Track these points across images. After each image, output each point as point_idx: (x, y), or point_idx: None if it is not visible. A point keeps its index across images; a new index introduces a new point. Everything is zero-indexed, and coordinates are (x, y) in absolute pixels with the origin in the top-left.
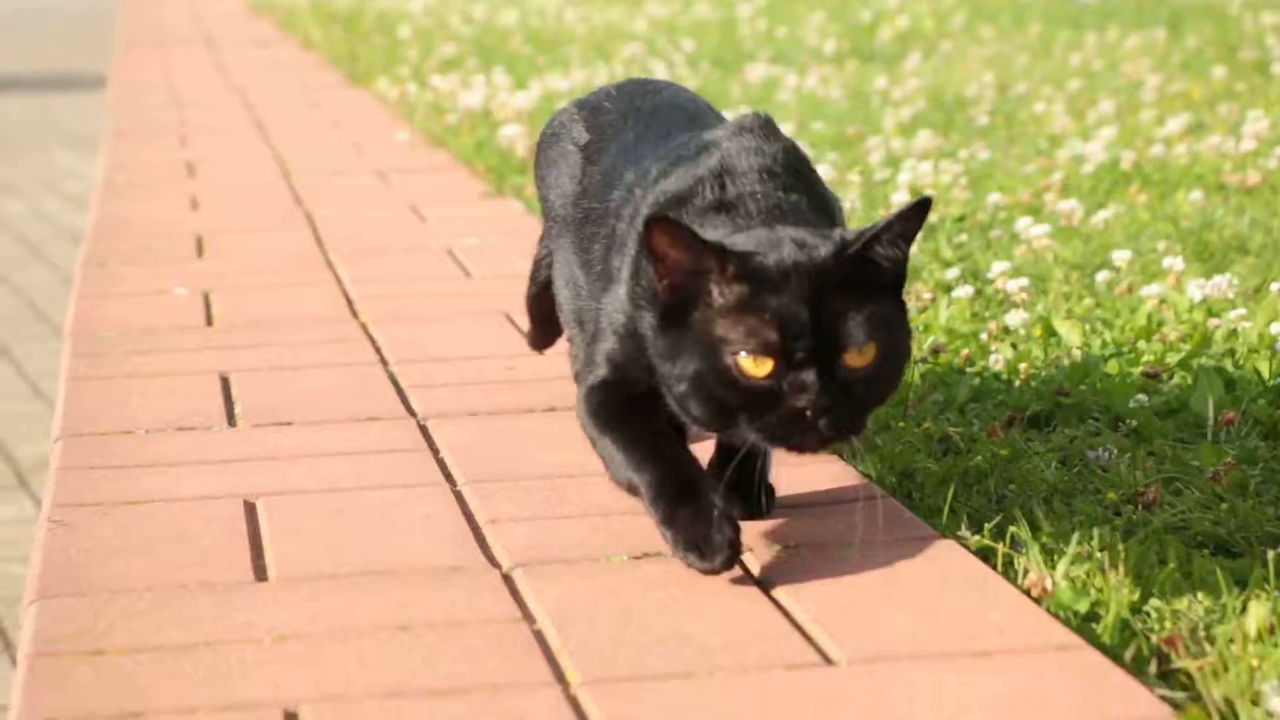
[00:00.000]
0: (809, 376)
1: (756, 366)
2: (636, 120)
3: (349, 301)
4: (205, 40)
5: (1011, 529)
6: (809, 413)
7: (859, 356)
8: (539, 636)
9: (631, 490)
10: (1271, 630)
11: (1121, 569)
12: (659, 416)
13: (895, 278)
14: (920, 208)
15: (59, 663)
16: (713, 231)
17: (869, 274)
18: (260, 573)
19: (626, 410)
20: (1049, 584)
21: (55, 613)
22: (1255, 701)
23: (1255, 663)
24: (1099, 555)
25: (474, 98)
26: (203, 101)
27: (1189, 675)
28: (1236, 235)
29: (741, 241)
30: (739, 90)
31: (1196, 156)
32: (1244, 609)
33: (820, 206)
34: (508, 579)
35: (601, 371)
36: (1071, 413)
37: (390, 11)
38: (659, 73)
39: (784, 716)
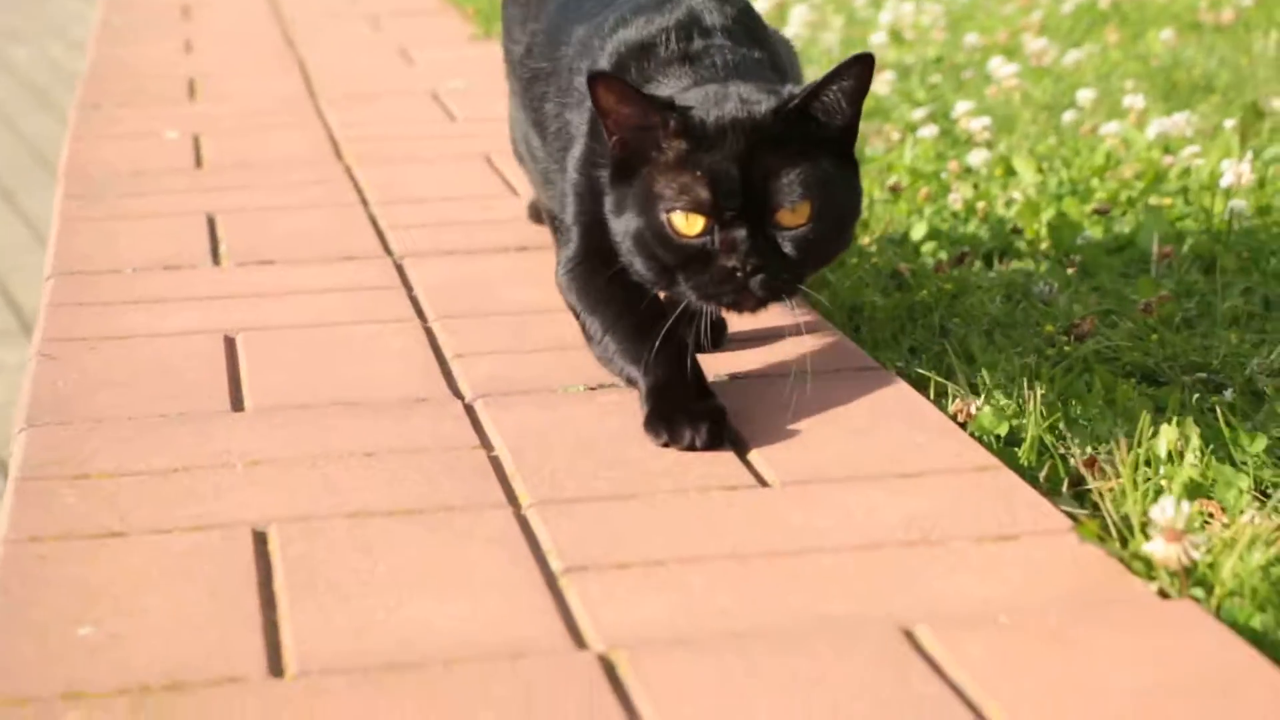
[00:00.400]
0: (739, 235)
1: (688, 224)
2: None
3: (335, 144)
4: None
5: (947, 360)
6: (739, 273)
7: (792, 215)
8: (495, 462)
9: (628, 382)
10: (1182, 452)
11: (1039, 394)
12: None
13: (841, 135)
14: (858, 63)
15: (45, 485)
16: (675, 84)
17: (810, 132)
18: (237, 403)
19: (611, 289)
20: (973, 409)
21: (42, 440)
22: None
23: (1164, 483)
24: (1021, 382)
25: None
26: None
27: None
28: (1205, 74)
29: (691, 97)
30: None
31: None
32: (1157, 433)
33: (776, 65)
34: (469, 409)
35: (575, 243)
36: (1023, 249)
37: None
38: None
39: (716, 532)
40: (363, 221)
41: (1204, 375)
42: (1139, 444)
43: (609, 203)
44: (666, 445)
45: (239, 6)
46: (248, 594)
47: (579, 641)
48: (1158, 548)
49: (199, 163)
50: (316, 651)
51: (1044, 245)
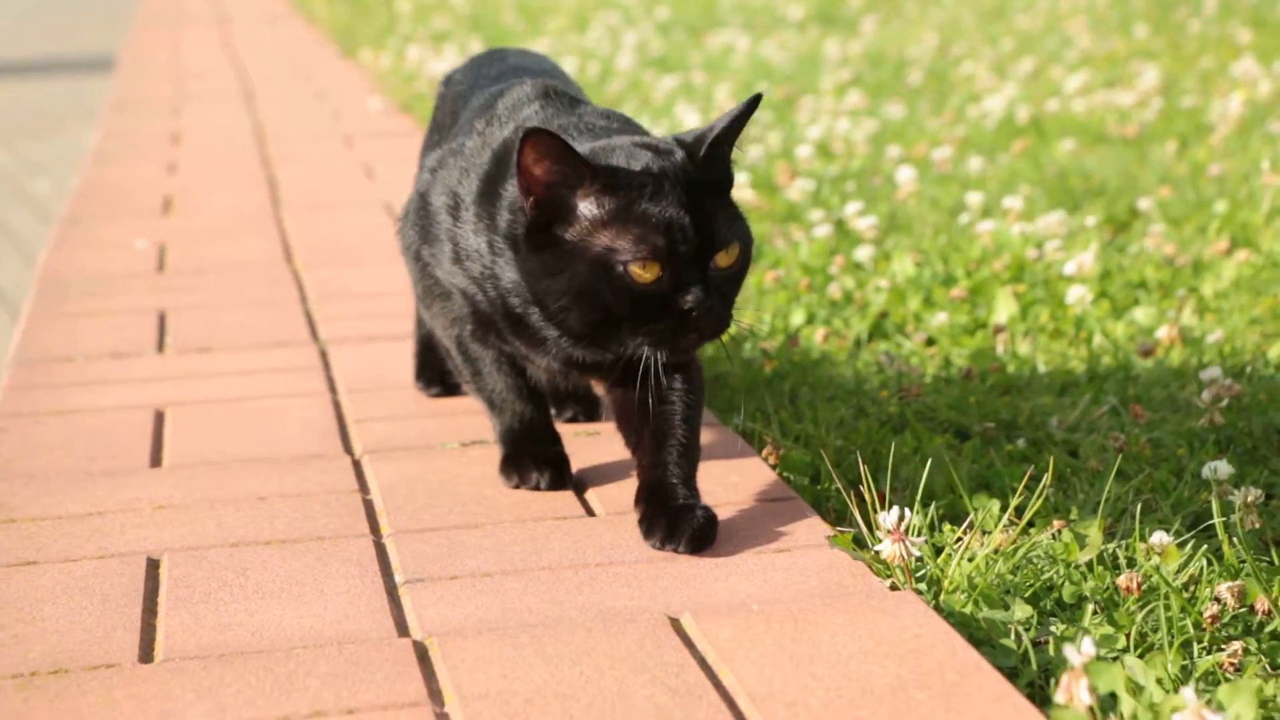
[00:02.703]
0: (694, 278)
1: (646, 271)
2: (482, 88)
3: (287, 250)
4: (219, 18)
5: (780, 415)
6: (694, 313)
7: (727, 256)
8: (368, 504)
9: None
10: (954, 488)
11: (836, 442)
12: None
13: (730, 178)
14: (752, 105)
15: None
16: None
17: (717, 175)
18: (156, 462)
19: (490, 357)
20: (780, 454)
21: None
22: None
23: (930, 514)
24: (822, 432)
25: (442, 66)
26: (202, 75)
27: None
28: (1100, 180)
29: (594, 151)
30: (698, 55)
31: (1091, 111)
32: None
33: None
34: (356, 464)
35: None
36: (889, 330)
37: None
38: (628, 40)
39: (539, 551)
40: (298, 315)
41: (993, 426)
42: (895, 476)
43: (531, 265)
44: (517, 487)
45: (226, 131)
46: (133, 605)
47: (402, 632)
48: (885, 547)
49: (161, 268)
50: (182, 644)
51: (908, 327)
